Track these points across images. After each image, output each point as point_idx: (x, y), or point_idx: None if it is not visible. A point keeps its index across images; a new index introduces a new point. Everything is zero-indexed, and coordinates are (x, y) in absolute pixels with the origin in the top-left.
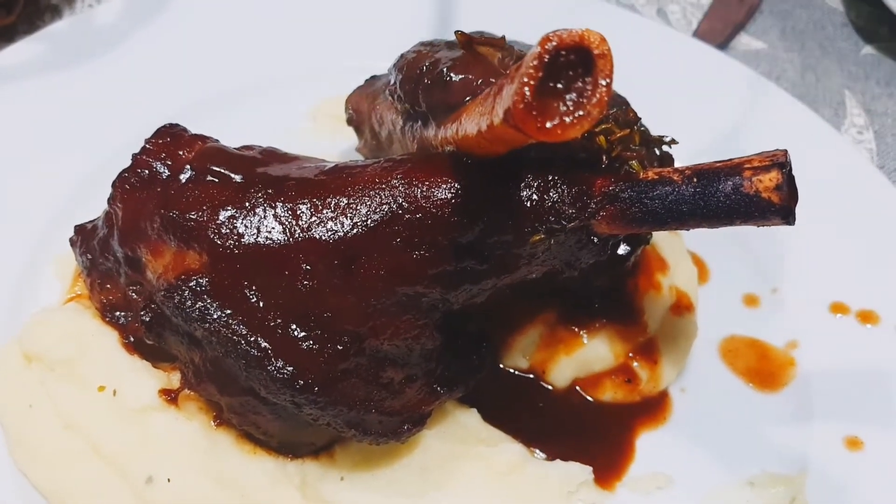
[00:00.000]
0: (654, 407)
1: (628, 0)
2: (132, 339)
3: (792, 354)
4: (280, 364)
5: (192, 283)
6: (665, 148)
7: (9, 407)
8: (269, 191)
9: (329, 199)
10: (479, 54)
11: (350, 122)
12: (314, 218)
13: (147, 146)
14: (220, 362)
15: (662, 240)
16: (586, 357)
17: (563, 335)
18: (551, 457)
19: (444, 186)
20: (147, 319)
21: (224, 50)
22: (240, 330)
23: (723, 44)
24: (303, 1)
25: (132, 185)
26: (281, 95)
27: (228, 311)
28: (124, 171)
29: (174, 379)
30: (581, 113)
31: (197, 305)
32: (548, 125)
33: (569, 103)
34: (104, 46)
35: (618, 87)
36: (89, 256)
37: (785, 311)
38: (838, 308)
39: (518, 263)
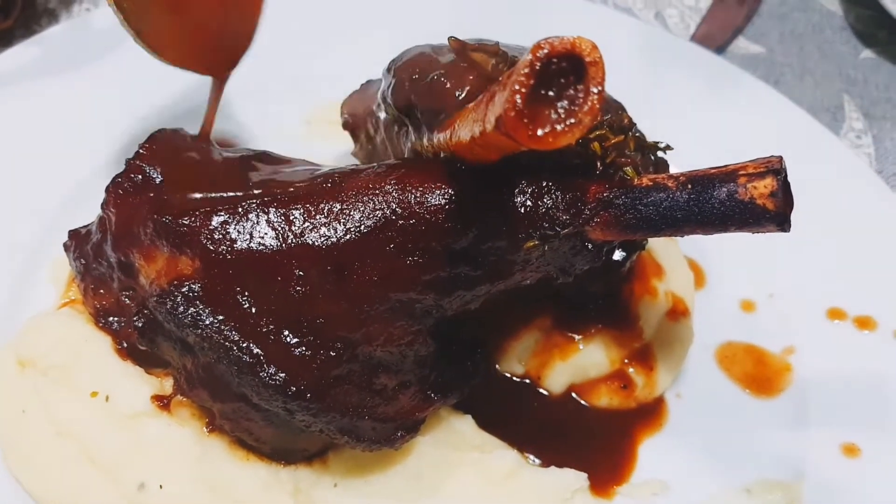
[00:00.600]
0: (650, 413)
1: (626, 4)
2: (125, 344)
3: (789, 360)
4: (272, 370)
5: (184, 289)
6: (660, 154)
7: (2, 412)
8: (263, 196)
9: (322, 205)
10: (472, 60)
11: (345, 126)
12: (307, 223)
13: (141, 151)
14: (213, 368)
15: (658, 245)
16: (582, 363)
17: (558, 341)
18: (546, 463)
19: (438, 192)
20: (140, 325)
21: None
22: (232, 336)
23: (721, 48)
24: (298, 6)
25: (126, 191)
26: (276, 100)
27: (221, 317)
28: (118, 176)
29: (167, 385)
30: (573, 121)
31: (189, 311)
32: (539, 133)
33: (560, 111)
34: (100, 51)
35: (615, 91)
36: (83, 261)
37: (782, 316)
38: (835, 314)
39: (512, 270)
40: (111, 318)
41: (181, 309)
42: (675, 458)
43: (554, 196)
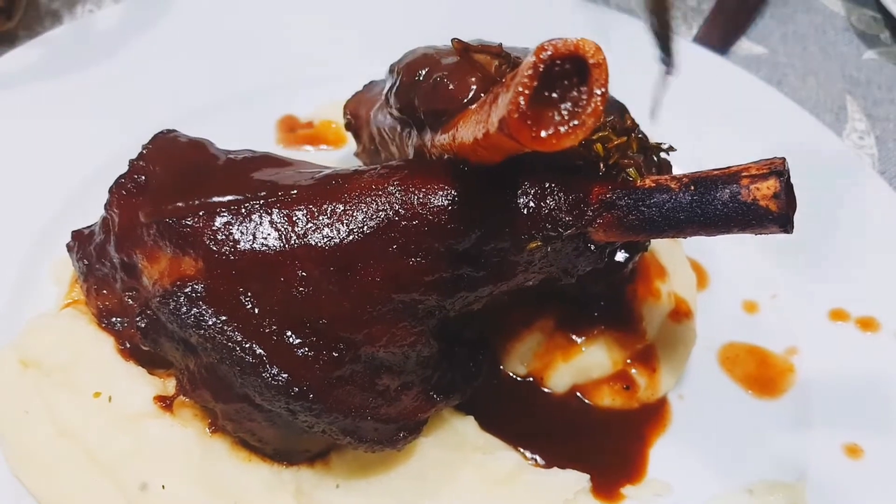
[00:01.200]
0: (652, 414)
1: (628, 5)
2: (128, 345)
3: (791, 361)
4: (275, 371)
5: (187, 290)
6: (663, 155)
7: (4, 412)
8: (266, 197)
9: (325, 206)
10: (475, 62)
11: (348, 127)
12: (310, 224)
13: (144, 152)
14: (215, 369)
15: (661, 246)
16: (584, 364)
17: (560, 342)
18: (548, 464)
19: (441, 193)
20: (142, 325)
21: (222, 55)
22: (235, 336)
23: (723, 49)
24: (302, 8)
25: (129, 191)
26: (280, 100)
27: (223, 318)
28: (121, 176)
29: (169, 385)
30: (576, 122)
31: (192, 311)
32: (542, 134)
33: (564, 113)
34: (104, 52)
35: (617, 92)
36: (86, 262)
37: (784, 317)
38: (838, 315)
39: (515, 270)
40: (114, 319)
41: (184, 309)
42: (677, 459)
43: (557, 197)
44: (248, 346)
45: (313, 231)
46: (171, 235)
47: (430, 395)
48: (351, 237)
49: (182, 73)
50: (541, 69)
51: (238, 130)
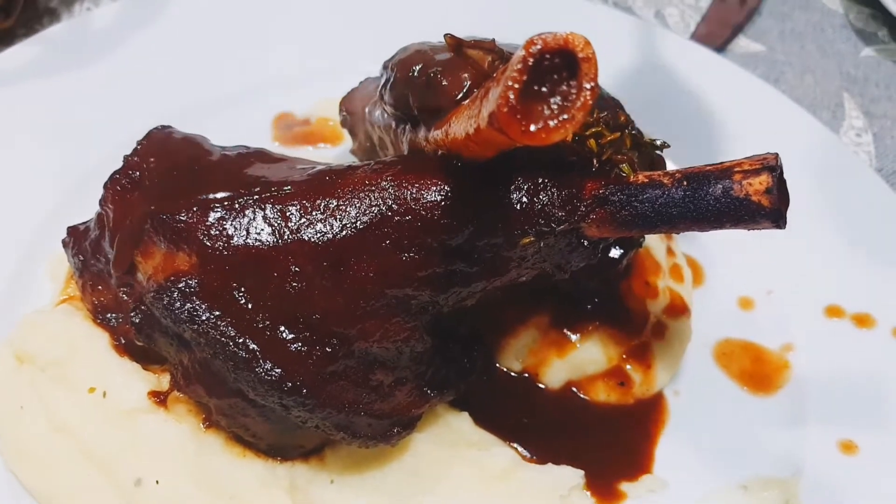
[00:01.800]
0: (647, 410)
1: (626, 2)
2: (123, 340)
3: (787, 357)
4: (268, 366)
5: (181, 285)
6: (656, 151)
7: (0, 408)
8: (259, 192)
9: (319, 201)
10: (468, 57)
11: (344, 123)
12: (304, 220)
13: (138, 147)
14: (209, 364)
15: (657, 242)
16: (579, 360)
17: (555, 338)
18: (543, 460)
19: (434, 189)
20: (137, 320)
21: (218, 52)
22: (228, 331)
23: (721, 46)
24: (297, 5)
25: (123, 187)
26: (275, 97)
27: (217, 313)
28: (116, 172)
29: (164, 381)
30: (566, 116)
31: (186, 307)
32: (532, 128)
33: (553, 107)
34: (101, 49)
35: (615, 89)
36: (81, 258)
37: (780, 314)
38: (834, 311)
39: (508, 266)
40: (109, 315)
41: (178, 305)
42: (672, 455)
43: (550, 193)
44: (241, 341)
45: (307, 226)
46: (165, 231)
47: (423, 390)
48: (344, 232)
49: (178, 70)
50: (530, 63)
51: (235, 127)
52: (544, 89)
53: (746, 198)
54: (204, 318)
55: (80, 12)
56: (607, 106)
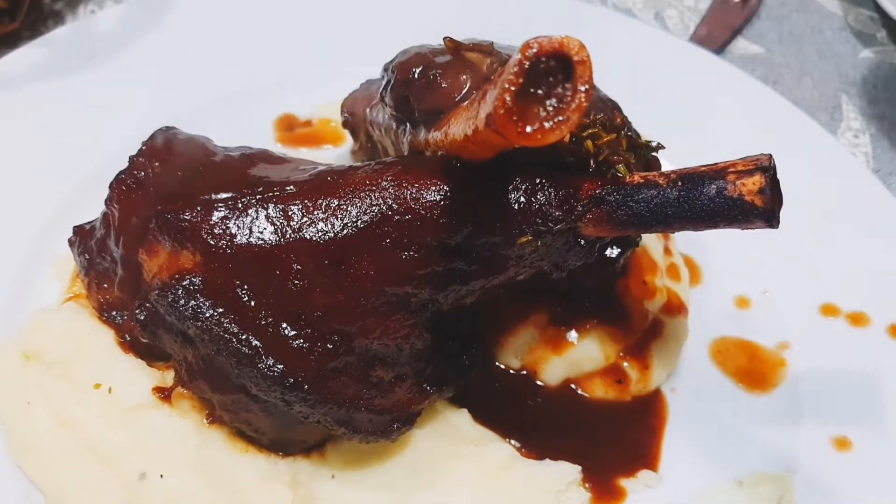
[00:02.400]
0: (644, 407)
1: (626, 4)
2: (128, 337)
3: (782, 355)
4: (271, 362)
5: (185, 283)
6: (652, 153)
7: (7, 404)
8: (262, 192)
9: (320, 201)
10: (467, 60)
11: (346, 124)
12: (305, 219)
13: (143, 148)
14: (213, 360)
15: (654, 242)
16: (577, 357)
17: (553, 336)
18: (541, 456)
19: (434, 189)
20: (142, 318)
21: (221, 55)
22: (231, 328)
23: (720, 48)
24: (300, 8)
25: (129, 187)
26: (278, 99)
27: (220, 310)
28: (121, 172)
29: (168, 377)
30: (561, 118)
31: (190, 304)
32: (528, 130)
33: (549, 108)
34: (105, 51)
35: (613, 90)
36: (87, 257)
37: (776, 312)
38: (829, 310)
39: (506, 265)
40: (115, 312)
41: (182, 302)
42: (668, 451)
43: (547, 193)
44: (244, 337)
45: (308, 225)
46: (169, 230)
47: (423, 387)
48: (345, 231)
49: (182, 72)
50: (526, 66)
51: (238, 128)
52: (540, 91)
53: (740, 198)
54: (208, 315)
55: (84, 15)
56: (604, 108)
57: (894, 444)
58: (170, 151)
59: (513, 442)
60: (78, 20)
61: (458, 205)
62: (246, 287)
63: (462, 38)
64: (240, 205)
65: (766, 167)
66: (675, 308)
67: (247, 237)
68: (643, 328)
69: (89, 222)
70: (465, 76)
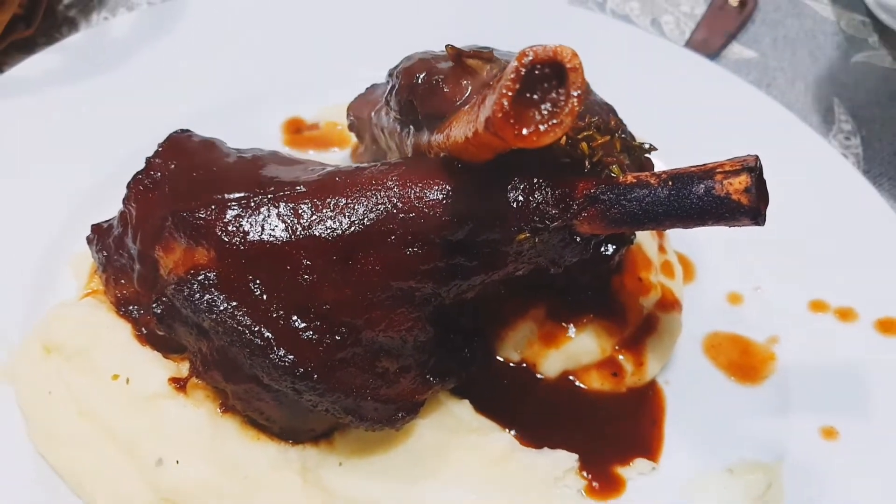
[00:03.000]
0: (639, 398)
1: (623, 10)
2: (144, 331)
3: (772, 349)
4: (282, 353)
5: (200, 277)
6: (645, 154)
7: (29, 394)
8: (273, 191)
9: (328, 199)
10: (468, 66)
11: (351, 127)
12: (314, 216)
13: (160, 150)
14: (226, 351)
15: (649, 241)
16: (574, 351)
17: (551, 330)
18: (539, 445)
19: (437, 188)
20: (159, 311)
21: (232, 60)
22: (244, 320)
23: (715, 53)
24: (307, 17)
25: (146, 187)
26: (286, 103)
27: (234, 303)
28: (138, 173)
29: (183, 368)
30: (555, 121)
31: (205, 297)
32: (524, 132)
33: (544, 112)
34: (118, 57)
35: (610, 94)
36: (105, 254)
37: (767, 308)
38: (818, 306)
39: (505, 260)
40: (131, 307)
41: (197, 296)
42: (662, 441)
43: (544, 192)
44: (256, 329)
45: (317, 223)
46: (185, 227)
47: (426, 377)
48: (352, 229)
49: (193, 76)
50: (522, 73)
51: (247, 131)
52: (536, 97)
53: (727, 196)
54: (222, 307)
55: (98, 22)
56: (600, 111)
57: (879, 433)
58: (185, 153)
59: (512, 431)
60: (91, 27)
61: (460, 203)
62: (258, 281)
63: (463, 45)
64: (252, 203)
65: (752, 167)
66: (670, 304)
67: (259, 234)
68: (638, 323)
69: (106, 221)
70: (465, 82)
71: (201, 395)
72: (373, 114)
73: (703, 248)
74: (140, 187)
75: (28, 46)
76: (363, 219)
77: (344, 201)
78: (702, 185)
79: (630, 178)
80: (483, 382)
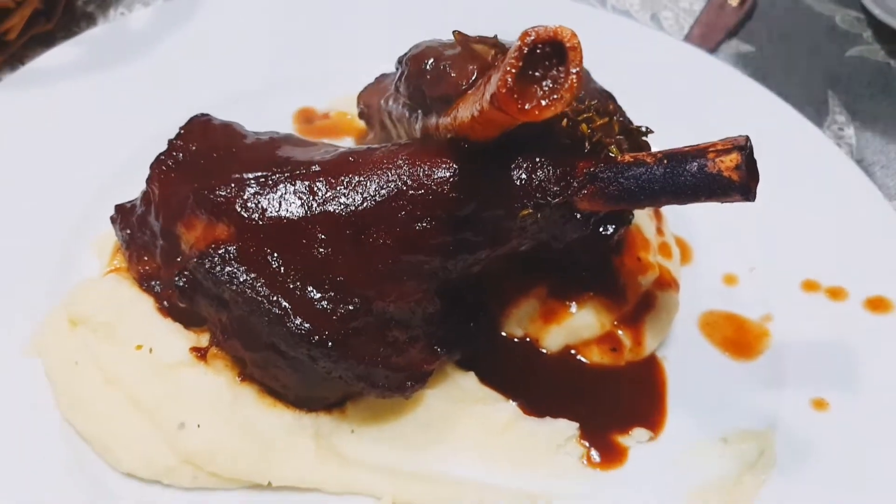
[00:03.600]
0: (638, 372)
1: (623, 6)
2: (166, 304)
3: (766, 327)
4: (298, 321)
5: (221, 251)
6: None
7: (56, 365)
8: (290, 170)
9: (342, 178)
10: (474, 52)
11: (361, 115)
12: (329, 194)
13: (182, 132)
14: (245, 320)
15: (647, 223)
16: (575, 326)
17: (553, 306)
18: (541, 414)
19: (444, 167)
20: (181, 284)
21: (247, 52)
22: (263, 291)
23: (713, 48)
24: (318, 10)
25: (168, 167)
26: (300, 92)
27: (253, 275)
28: (161, 154)
29: (203, 340)
30: (556, 96)
31: (226, 270)
32: (527, 107)
33: (545, 88)
34: (135, 50)
35: (611, 86)
36: (128, 231)
37: (761, 288)
38: (810, 285)
39: (509, 236)
40: (154, 282)
41: (218, 268)
42: (660, 411)
43: (546, 170)
44: (274, 299)
45: (331, 200)
46: (206, 205)
47: (434, 348)
48: (365, 205)
49: (209, 67)
50: (525, 51)
51: (263, 118)
52: (537, 74)
53: (718, 173)
54: (241, 279)
55: (115, 17)
56: (599, 97)
57: (867, 405)
58: (205, 135)
59: (516, 402)
60: (109, 22)
61: (466, 181)
62: (276, 255)
63: (467, 32)
64: (269, 182)
65: (742, 146)
66: (667, 283)
67: (276, 210)
68: (636, 300)
69: (129, 201)
70: (472, 66)
71: (221, 365)
72: (382, 101)
73: (699, 231)
74: (163, 167)
75: (48, 40)
76: (375, 196)
77: (357, 179)
78: (695, 163)
79: (627, 157)
80: (488, 356)
